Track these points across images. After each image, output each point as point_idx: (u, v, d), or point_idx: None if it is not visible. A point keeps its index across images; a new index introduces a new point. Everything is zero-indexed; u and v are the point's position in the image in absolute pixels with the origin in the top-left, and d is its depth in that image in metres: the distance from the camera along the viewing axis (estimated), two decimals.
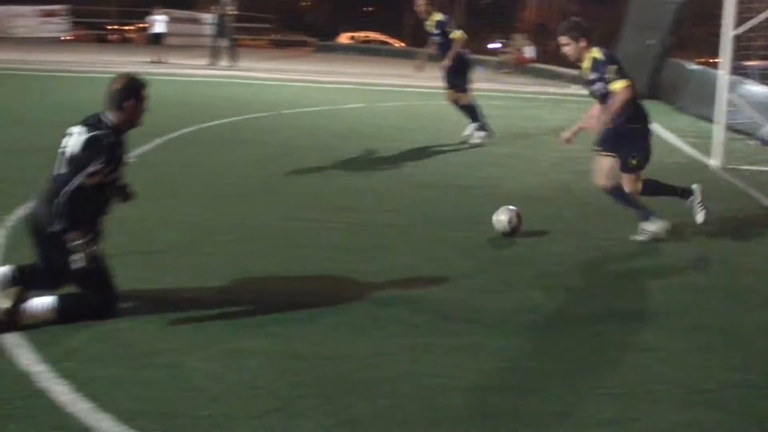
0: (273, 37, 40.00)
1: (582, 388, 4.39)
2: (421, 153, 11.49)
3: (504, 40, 33.39)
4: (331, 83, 20.34)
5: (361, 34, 30.87)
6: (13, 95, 16.22)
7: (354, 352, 4.70)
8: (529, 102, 19.58)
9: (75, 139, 4.88)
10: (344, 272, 6.11)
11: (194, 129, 12.44)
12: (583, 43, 6.86)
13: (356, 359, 4.62)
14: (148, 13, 26.68)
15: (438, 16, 12.15)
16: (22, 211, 6.60)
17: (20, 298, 4.79)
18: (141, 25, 37.08)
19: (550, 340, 5.09)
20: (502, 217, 7.21)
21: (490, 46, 36.13)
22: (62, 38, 36.08)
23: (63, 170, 4.85)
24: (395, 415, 4.00)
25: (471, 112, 12.52)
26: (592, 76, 6.90)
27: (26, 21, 35.83)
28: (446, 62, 12.06)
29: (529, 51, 31.04)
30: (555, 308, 5.66)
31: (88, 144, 4.82)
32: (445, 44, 12.08)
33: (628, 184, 7.08)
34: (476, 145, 12.22)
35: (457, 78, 12.27)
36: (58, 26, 36.97)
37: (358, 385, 4.30)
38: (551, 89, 23.17)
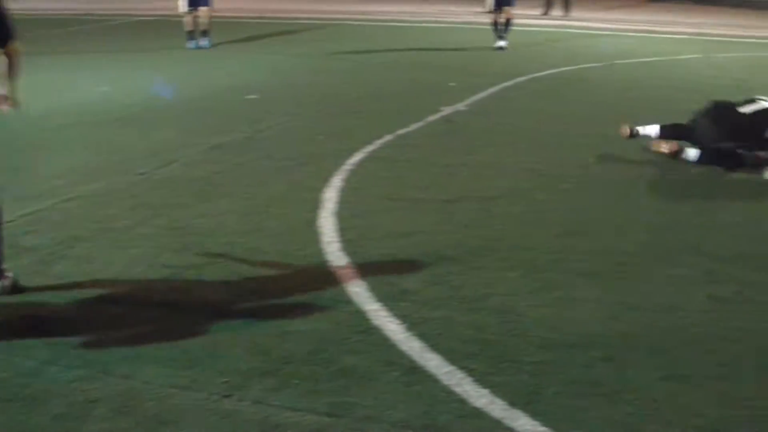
0: None
1: None
2: None
3: None
4: (666, 33, 19.27)
5: None
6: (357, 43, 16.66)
7: (687, 306, 4.49)
8: None
9: None
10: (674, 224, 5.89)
11: (527, 78, 12.34)
12: None
13: (690, 313, 4.41)
14: None
15: None
16: None
17: None
18: None
19: None
20: None
21: None
22: None
23: None
24: (729, 373, 3.79)
25: None
26: None
27: None
28: None
29: None
30: None
31: None
32: None
33: None
34: None
35: None
36: None
37: (692, 339, 4.10)
38: None
